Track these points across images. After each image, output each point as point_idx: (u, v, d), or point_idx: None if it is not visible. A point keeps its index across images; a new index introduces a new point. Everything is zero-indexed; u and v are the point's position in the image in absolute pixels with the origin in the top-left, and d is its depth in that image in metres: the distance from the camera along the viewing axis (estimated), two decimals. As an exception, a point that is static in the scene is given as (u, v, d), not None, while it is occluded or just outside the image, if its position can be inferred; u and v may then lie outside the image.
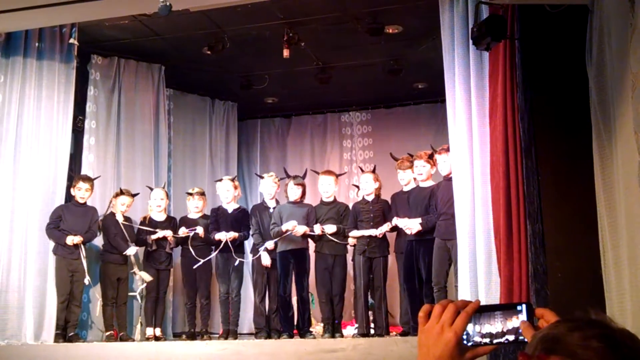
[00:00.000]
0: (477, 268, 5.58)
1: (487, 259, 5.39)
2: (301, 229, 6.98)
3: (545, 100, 3.81)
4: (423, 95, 9.59)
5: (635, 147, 2.45)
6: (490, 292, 5.35)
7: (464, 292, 5.71)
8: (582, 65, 3.48)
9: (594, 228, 3.40)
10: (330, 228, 6.95)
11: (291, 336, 6.85)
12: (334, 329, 6.81)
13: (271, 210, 7.36)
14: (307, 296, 7.18)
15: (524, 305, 1.48)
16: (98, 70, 8.13)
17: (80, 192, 7.16)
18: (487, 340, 1.49)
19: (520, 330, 1.46)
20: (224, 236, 7.30)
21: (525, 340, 1.44)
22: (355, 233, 6.90)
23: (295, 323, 7.13)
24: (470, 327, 1.49)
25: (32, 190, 7.03)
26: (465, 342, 1.48)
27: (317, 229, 6.95)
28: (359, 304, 6.84)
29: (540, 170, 3.82)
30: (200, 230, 7.40)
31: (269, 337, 7.03)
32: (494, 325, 1.49)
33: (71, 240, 6.91)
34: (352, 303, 7.66)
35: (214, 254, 7.40)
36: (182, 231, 7.40)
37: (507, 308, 1.51)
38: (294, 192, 7.23)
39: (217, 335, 7.97)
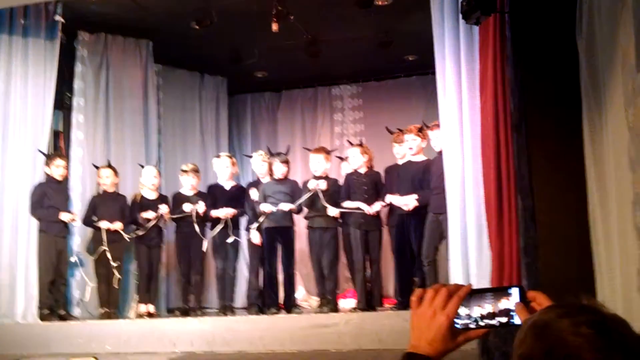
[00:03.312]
0: (468, 242, 5.60)
1: (478, 232, 5.41)
2: (284, 207, 6.98)
3: (535, 74, 3.78)
4: (414, 67, 9.53)
5: (625, 122, 2.43)
6: (481, 266, 5.38)
7: (456, 266, 5.74)
8: (572, 39, 3.45)
9: (584, 203, 3.40)
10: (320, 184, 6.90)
11: (277, 310, 6.87)
12: (327, 302, 6.83)
13: (265, 187, 7.36)
14: (293, 273, 7.19)
15: (515, 288, 1.48)
16: (85, 47, 8.04)
17: (59, 169, 7.12)
18: (478, 323, 1.49)
19: (512, 313, 1.46)
20: (222, 213, 7.29)
21: (518, 323, 1.44)
22: (348, 204, 6.89)
23: (281, 300, 7.15)
24: (462, 311, 1.50)
25: (20, 169, 7.00)
26: (457, 325, 1.49)
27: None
28: (357, 278, 6.85)
29: (530, 145, 3.80)
30: (201, 208, 7.37)
31: (260, 311, 7.07)
32: (485, 308, 1.49)
33: (67, 217, 6.90)
34: (346, 276, 7.70)
35: (213, 233, 7.38)
36: (188, 208, 7.37)
37: (498, 291, 1.51)
38: (280, 169, 7.20)
39: (211, 311, 8.02)
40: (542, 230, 3.73)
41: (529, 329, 1.26)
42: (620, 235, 2.69)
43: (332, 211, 6.96)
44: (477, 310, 1.51)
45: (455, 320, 1.51)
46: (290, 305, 7.00)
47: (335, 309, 6.79)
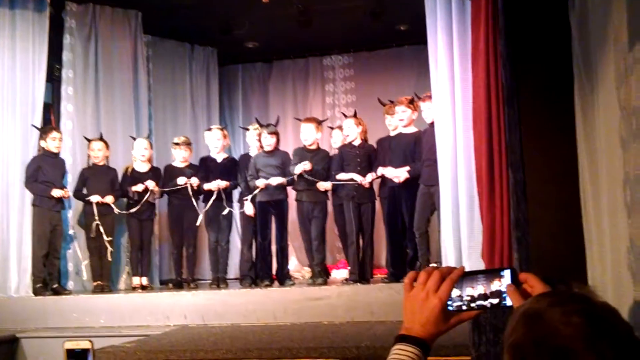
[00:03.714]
0: (459, 214, 5.63)
1: (470, 204, 5.44)
2: (275, 181, 6.98)
3: (528, 49, 3.76)
4: (405, 37, 9.46)
5: (617, 101, 2.43)
6: (473, 237, 5.41)
7: (447, 238, 5.77)
8: (565, 14, 3.43)
9: (576, 178, 3.41)
10: (301, 167, 6.89)
11: (270, 282, 6.92)
12: (318, 274, 6.86)
13: (257, 160, 7.34)
14: (286, 245, 7.23)
15: (507, 270, 1.50)
16: (73, 17, 7.95)
17: (55, 142, 7.09)
18: (470, 304, 1.51)
19: (504, 295, 1.48)
20: (214, 185, 7.30)
21: (510, 304, 1.46)
22: (342, 176, 6.89)
23: (274, 271, 7.21)
24: (454, 293, 1.52)
25: (10, 143, 6.96)
26: (449, 307, 1.51)
27: (298, 169, 6.91)
28: (350, 250, 6.88)
29: (522, 120, 3.79)
30: (195, 180, 7.37)
31: (253, 283, 7.11)
32: (477, 289, 1.51)
33: (60, 193, 6.90)
34: (338, 247, 7.75)
35: (207, 207, 7.38)
36: (182, 180, 7.37)
37: (490, 273, 1.53)
38: (268, 141, 7.18)
39: (204, 282, 8.08)
40: (533, 204, 3.74)
41: (521, 317, 1.27)
42: (610, 213, 2.70)
43: (324, 185, 6.97)
44: (469, 292, 1.53)
45: (448, 302, 1.53)
46: (283, 277, 7.05)
47: (325, 280, 6.84)
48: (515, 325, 1.26)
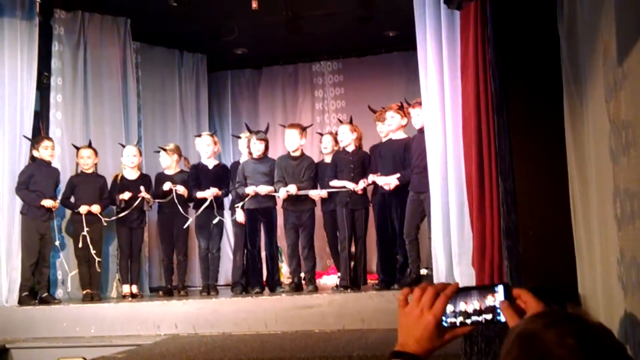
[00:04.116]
0: (449, 220, 5.65)
1: (460, 212, 5.45)
2: (263, 190, 6.98)
3: (516, 58, 3.78)
4: (395, 43, 9.50)
5: (606, 114, 2.44)
6: (463, 244, 5.43)
7: (437, 245, 5.79)
8: (554, 24, 3.46)
9: (566, 188, 3.43)
10: (292, 188, 6.89)
11: (261, 289, 6.90)
12: (300, 283, 6.86)
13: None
14: (275, 252, 7.23)
15: (501, 286, 1.51)
16: (62, 25, 7.93)
17: (47, 150, 7.07)
18: (464, 320, 1.52)
19: (497, 310, 1.49)
20: (208, 193, 7.28)
21: (503, 320, 1.47)
22: (335, 183, 6.89)
23: (264, 278, 7.21)
24: (448, 308, 1.53)
25: (0, 152, 6.93)
26: (444, 323, 1.52)
27: (282, 192, 6.91)
28: (342, 256, 6.87)
29: (511, 128, 3.81)
30: (180, 188, 7.36)
31: (244, 291, 7.11)
32: (471, 305, 1.52)
33: (49, 203, 6.87)
34: (329, 253, 7.74)
35: (198, 212, 7.37)
36: (168, 186, 7.36)
37: (484, 288, 1.54)
38: (257, 147, 7.18)
39: (195, 289, 8.06)
40: (523, 213, 3.76)
41: (516, 338, 1.28)
42: (600, 225, 2.71)
43: (318, 194, 6.98)
44: (463, 308, 1.54)
45: (442, 318, 1.54)
46: (273, 284, 7.04)
47: (315, 288, 6.82)
48: (511, 347, 1.27)
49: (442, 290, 1.56)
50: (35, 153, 7.07)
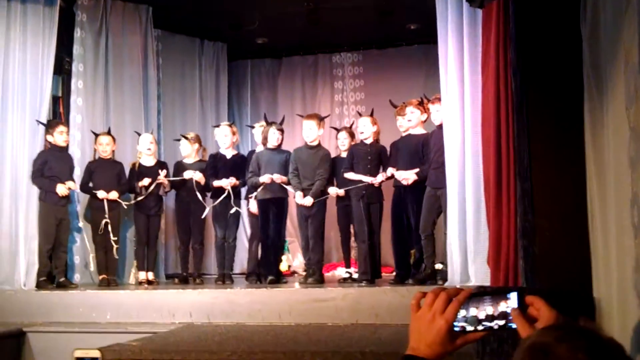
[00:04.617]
0: (466, 217, 5.64)
1: (476, 209, 5.44)
2: (277, 178, 7.01)
3: (538, 58, 3.75)
4: (415, 36, 9.47)
5: (626, 120, 2.43)
6: (479, 242, 5.42)
7: (453, 241, 5.79)
8: (577, 24, 3.43)
9: (584, 191, 3.41)
10: (307, 200, 6.89)
11: (275, 280, 6.93)
12: (313, 273, 6.85)
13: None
14: (282, 243, 7.30)
15: (514, 293, 1.52)
16: (84, 11, 7.96)
17: (62, 136, 7.12)
18: (476, 325, 1.53)
19: (509, 317, 1.49)
20: (225, 183, 7.31)
21: (515, 327, 1.48)
22: (351, 175, 6.90)
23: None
24: (460, 313, 1.54)
25: (19, 138, 6.99)
26: (456, 328, 1.53)
27: (299, 198, 6.94)
28: (359, 249, 6.86)
29: (530, 129, 3.78)
30: (198, 175, 7.40)
31: (259, 280, 7.14)
32: (484, 311, 1.53)
33: (62, 190, 6.93)
34: (340, 246, 7.73)
35: (216, 203, 7.41)
36: (188, 174, 7.40)
37: (497, 294, 1.54)
38: (275, 136, 7.19)
39: (210, 277, 8.11)
40: (540, 214, 3.74)
41: (527, 351, 1.29)
42: (617, 231, 2.71)
43: (334, 190, 7.01)
44: (475, 313, 1.55)
45: (454, 323, 1.55)
46: (278, 275, 7.07)
47: (321, 279, 6.85)
48: (522, 359, 1.28)
49: (454, 296, 1.57)
50: (49, 138, 7.10)
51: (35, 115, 7.09)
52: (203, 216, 7.44)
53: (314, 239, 6.92)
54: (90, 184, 7.36)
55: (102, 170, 7.42)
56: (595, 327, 1.37)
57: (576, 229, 3.48)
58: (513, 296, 1.53)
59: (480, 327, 1.55)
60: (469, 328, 1.55)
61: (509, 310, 1.52)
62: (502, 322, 1.53)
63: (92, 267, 7.33)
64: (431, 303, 1.59)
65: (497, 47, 4.53)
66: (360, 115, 7.37)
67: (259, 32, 9.34)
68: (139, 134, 7.78)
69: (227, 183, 7.32)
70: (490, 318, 1.54)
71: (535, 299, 1.55)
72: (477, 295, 1.57)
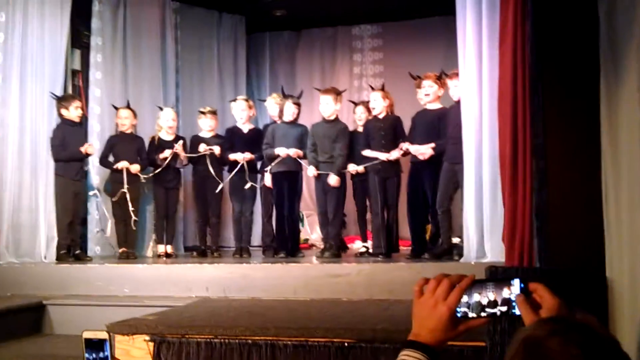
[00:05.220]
0: (482, 193, 5.61)
1: (493, 186, 5.41)
2: (293, 152, 7.01)
3: (555, 35, 3.69)
4: (435, 7, 9.31)
5: (638, 105, 2.39)
6: (495, 218, 5.39)
7: (469, 217, 5.75)
8: (594, 3, 3.36)
9: (598, 170, 3.37)
10: (332, 179, 6.89)
11: (289, 254, 6.96)
12: (330, 247, 6.86)
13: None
14: (297, 217, 7.29)
15: (517, 280, 1.51)
16: (102, -16, 7.97)
17: (77, 110, 7.15)
18: (478, 311, 1.53)
19: (513, 303, 1.49)
20: (240, 157, 7.33)
21: (518, 313, 1.47)
22: (368, 153, 6.87)
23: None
24: (463, 299, 1.54)
25: (38, 110, 7.03)
26: (458, 314, 1.53)
27: (311, 171, 6.94)
28: (374, 223, 6.87)
29: (546, 107, 3.74)
30: (217, 149, 7.43)
31: (275, 254, 7.17)
32: (486, 297, 1.53)
33: (85, 148, 6.96)
34: (356, 221, 7.74)
35: (230, 176, 7.44)
36: (203, 148, 7.43)
37: (500, 281, 1.54)
38: (291, 110, 7.16)
39: (228, 249, 8.17)
40: (554, 193, 3.72)
41: (521, 344, 1.28)
42: (630, 211, 2.68)
43: (353, 168, 6.99)
44: (478, 300, 1.55)
45: (457, 309, 1.55)
46: (294, 250, 7.10)
47: (338, 254, 6.86)
48: (515, 352, 1.28)
49: (457, 282, 1.57)
50: (64, 112, 7.09)
51: (53, 89, 7.11)
52: (217, 191, 7.46)
53: (333, 214, 6.92)
54: (111, 158, 7.40)
55: (123, 145, 7.47)
56: (592, 320, 1.35)
57: (591, 208, 3.45)
58: (516, 283, 1.53)
59: (483, 314, 1.55)
60: (472, 314, 1.56)
61: (512, 297, 1.52)
62: (504, 309, 1.53)
63: (108, 232, 7.40)
64: (434, 289, 1.59)
65: (514, 22, 4.46)
66: (372, 89, 7.29)
67: (277, 4, 9.27)
68: (161, 109, 7.78)
69: (241, 157, 7.32)
70: (493, 304, 1.54)
71: (539, 285, 1.55)
72: (480, 282, 1.57)
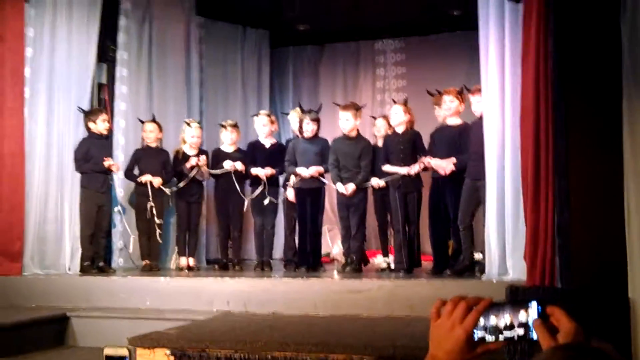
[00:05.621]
0: (504, 210, 5.57)
1: (515, 203, 5.37)
2: (314, 170, 7.03)
3: (577, 53, 3.70)
4: (458, 22, 9.33)
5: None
6: (517, 235, 5.35)
7: (491, 233, 5.72)
8: (617, 22, 3.36)
9: (621, 189, 3.36)
10: (350, 187, 6.91)
11: (311, 268, 7.00)
12: (351, 262, 6.87)
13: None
14: (319, 232, 7.30)
15: (534, 302, 1.51)
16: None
17: (105, 124, 7.23)
18: (496, 335, 1.53)
19: (530, 326, 1.49)
20: (261, 172, 7.37)
21: (535, 338, 1.47)
22: (388, 168, 6.87)
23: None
24: (481, 322, 1.53)
25: (66, 124, 7.13)
26: (475, 337, 1.53)
27: (340, 188, 6.95)
28: (396, 239, 6.86)
29: (569, 125, 3.74)
30: (239, 165, 7.46)
31: (297, 268, 7.19)
32: (503, 320, 1.52)
33: (109, 162, 7.05)
34: (377, 235, 7.74)
35: (254, 195, 7.48)
36: (228, 165, 7.46)
37: (517, 303, 1.54)
38: (309, 127, 7.19)
39: (250, 262, 8.19)
40: (576, 212, 3.71)
41: (535, 371, 1.28)
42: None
43: (376, 182, 6.99)
44: (495, 322, 1.54)
45: (474, 331, 1.55)
46: (315, 264, 7.11)
47: (359, 268, 6.87)
48: (528, 379, 1.28)
49: (474, 305, 1.57)
50: (91, 126, 7.17)
51: (80, 103, 7.21)
52: (244, 209, 7.51)
53: (356, 228, 6.93)
54: (136, 172, 7.48)
55: (148, 158, 7.54)
56: (609, 348, 1.35)
57: (613, 227, 3.44)
58: (534, 305, 1.52)
59: (500, 337, 1.54)
60: (489, 338, 1.55)
61: (529, 320, 1.51)
62: (522, 332, 1.52)
63: (131, 248, 7.47)
64: (450, 312, 1.59)
65: (537, 39, 4.45)
66: (394, 102, 7.27)
67: (301, 19, 9.33)
68: (188, 124, 7.80)
69: (262, 173, 7.37)
70: (510, 327, 1.53)
71: (556, 309, 1.54)
72: (497, 304, 1.57)
